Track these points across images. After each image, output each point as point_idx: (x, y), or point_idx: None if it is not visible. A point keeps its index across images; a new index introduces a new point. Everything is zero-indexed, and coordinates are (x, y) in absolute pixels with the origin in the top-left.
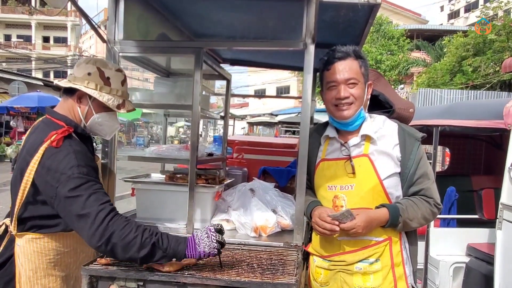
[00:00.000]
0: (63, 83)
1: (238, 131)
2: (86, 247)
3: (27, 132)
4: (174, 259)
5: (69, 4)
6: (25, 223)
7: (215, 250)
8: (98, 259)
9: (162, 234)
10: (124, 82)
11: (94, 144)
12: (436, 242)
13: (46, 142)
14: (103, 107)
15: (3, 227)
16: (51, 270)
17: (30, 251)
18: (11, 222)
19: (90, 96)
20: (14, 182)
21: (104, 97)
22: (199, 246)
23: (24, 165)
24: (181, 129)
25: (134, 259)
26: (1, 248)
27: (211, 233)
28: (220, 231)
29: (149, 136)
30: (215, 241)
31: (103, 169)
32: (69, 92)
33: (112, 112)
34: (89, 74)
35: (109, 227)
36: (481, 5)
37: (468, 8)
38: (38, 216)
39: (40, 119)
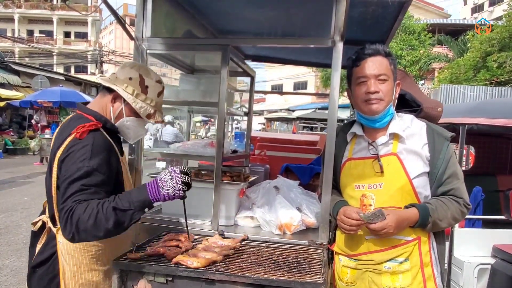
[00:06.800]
0: (104, 80)
1: (255, 126)
2: (125, 241)
3: (57, 129)
4: (147, 209)
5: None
6: None
7: (180, 192)
8: (128, 253)
9: (119, 195)
10: (160, 94)
11: None
12: (460, 242)
13: (73, 134)
14: (134, 113)
15: (40, 223)
16: (94, 265)
17: (73, 247)
18: (49, 219)
19: (124, 99)
20: (47, 177)
21: (138, 104)
22: (162, 189)
23: (52, 159)
24: (198, 124)
25: (110, 231)
26: (41, 244)
27: (176, 174)
28: (186, 173)
29: None
30: (180, 183)
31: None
32: (107, 90)
33: (141, 119)
34: (130, 78)
35: (73, 217)
36: None
37: (493, 2)
38: None
39: (70, 116)
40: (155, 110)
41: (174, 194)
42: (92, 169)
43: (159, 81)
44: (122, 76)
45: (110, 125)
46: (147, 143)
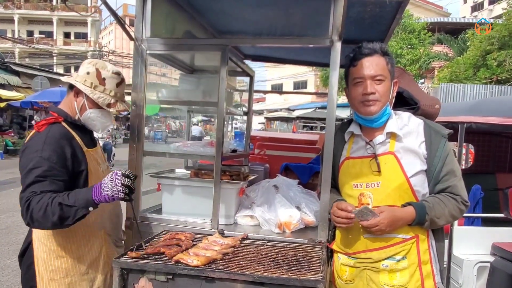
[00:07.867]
0: (65, 78)
1: (255, 126)
2: (97, 233)
3: None
4: (91, 208)
5: (89, 0)
6: None
7: (119, 193)
8: (128, 252)
9: (70, 192)
10: (119, 84)
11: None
12: (460, 241)
13: (34, 129)
14: (95, 104)
15: None
16: (62, 252)
17: (42, 234)
18: None
19: (85, 93)
20: None
21: (96, 95)
22: (103, 189)
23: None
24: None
25: (56, 224)
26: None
27: (116, 176)
28: (128, 176)
29: (167, 131)
30: (119, 184)
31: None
32: (70, 87)
33: (104, 109)
34: (88, 73)
35: (29, 207)
36: None
37: (493, 0)
38: None
39: None
40: (116, 100)
41: (113, 195)
42: (42, 159)
43: (117, 73)
44: (81, 72)
45: (70, 119)
46: None
